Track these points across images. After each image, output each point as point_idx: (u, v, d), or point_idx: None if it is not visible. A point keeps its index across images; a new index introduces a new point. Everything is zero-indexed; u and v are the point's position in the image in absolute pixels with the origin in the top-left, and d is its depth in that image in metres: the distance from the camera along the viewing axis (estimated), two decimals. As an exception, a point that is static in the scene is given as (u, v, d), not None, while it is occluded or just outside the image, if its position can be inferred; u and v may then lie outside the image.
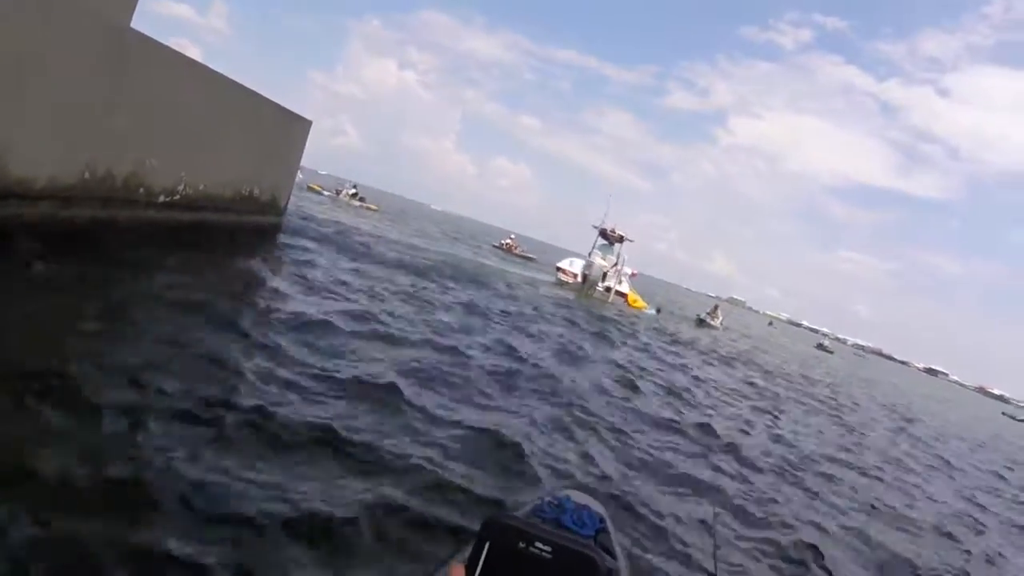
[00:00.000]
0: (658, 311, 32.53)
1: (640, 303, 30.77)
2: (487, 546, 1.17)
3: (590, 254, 31.74)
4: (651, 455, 6.71)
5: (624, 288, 30.42)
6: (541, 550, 1.15)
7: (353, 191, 40.90)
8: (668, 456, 6.93)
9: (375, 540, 3.48)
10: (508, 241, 41.88)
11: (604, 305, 26.67)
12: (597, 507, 3.30)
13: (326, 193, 38.70)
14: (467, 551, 1.24)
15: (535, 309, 16.39)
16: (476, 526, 1.34)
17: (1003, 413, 71.77)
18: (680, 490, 5.99)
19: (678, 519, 5.18)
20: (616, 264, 30.83)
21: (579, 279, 30.14)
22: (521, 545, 1.16)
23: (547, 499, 3.15)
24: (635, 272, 31.95)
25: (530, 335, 12.03)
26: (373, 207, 40.44)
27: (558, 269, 31.09)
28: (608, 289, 29.70)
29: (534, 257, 41.10)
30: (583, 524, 2.91)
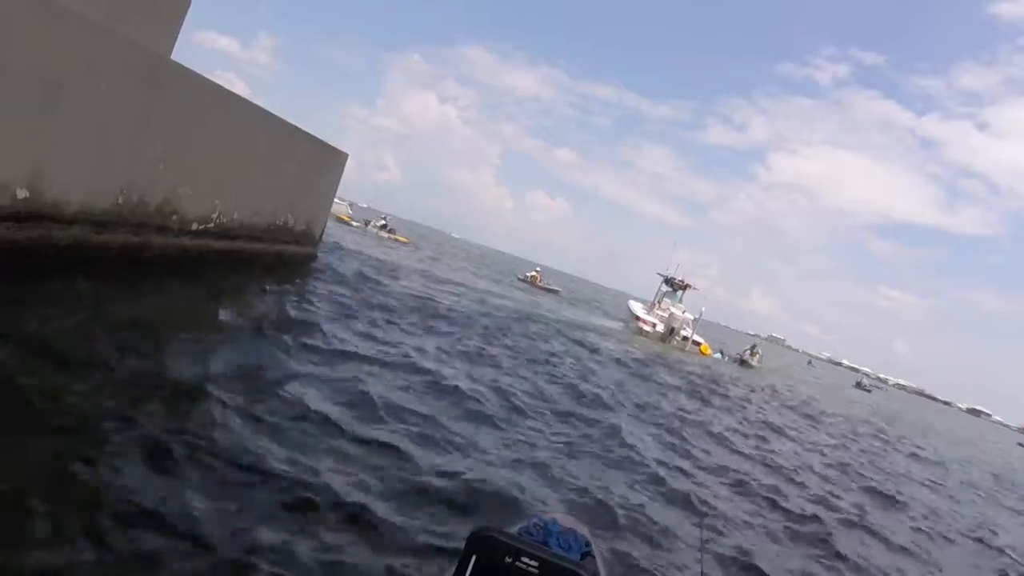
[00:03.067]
0: (722, 353, 33.51)
1: (708, 350, 31.85)
2: (473, 559, 1.18)
3: (659, 301, 33.52)
4: None
5: (698, 337, 31.56)
6: (528, 565, 1.16)
7: (382, 223, 40.85)
8: None
9: None
10: (533, 273, 41.35)
11: (686, 355, 27.56)
12: (583, 531, 3.25)
13: (355, 224, 38.80)
14: (453, 564, 1.24)
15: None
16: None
17: (1019, 444, 71.19)
18: None
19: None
20: (686, 312, 32.24)
21: (657, 328, 30.82)
22: (508, 559, 1.17)
23: (534, 521, 3.13)
24: (698, 317, 33.02)
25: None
26: (402, 239, 40.12)
27: (636, 318, 31.88)
28: (685, 339, 30.75)
29: (559, 289, 40.84)
30: (569, 547, 2.94)
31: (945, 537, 8.79)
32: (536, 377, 10.33)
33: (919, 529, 8.66)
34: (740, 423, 12.90)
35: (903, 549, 7.34)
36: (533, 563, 1.16)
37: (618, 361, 16.60)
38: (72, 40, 6.30)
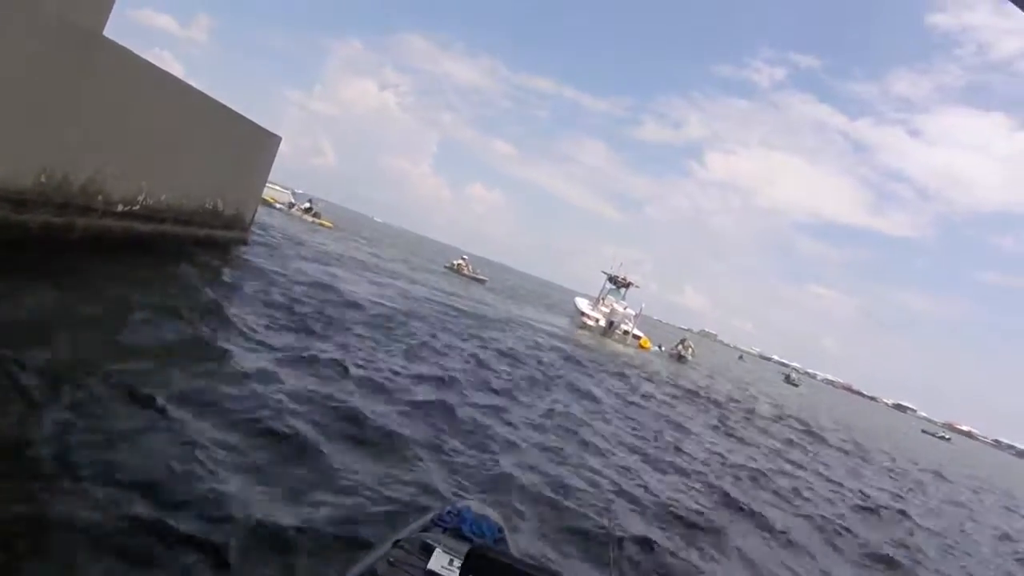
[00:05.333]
0: (660, 348, 36.17)
1: (648, 344, 34.01)
2: None
3: (603, 299, 36.09)
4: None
5: (639, 332, 33.83)
6: None
7: (307, 206, 40.38)
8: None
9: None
10: (459, 262, 41.65)
11: (625, 347, 30.07)
12: (495, 518, 3.38)
13: (278, 206, 37.77)
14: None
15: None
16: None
17: (923, 431, 79.88)
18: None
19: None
20: (627, 308, 34.86)
21: (600, 323, 33.18)
22: None
23: (447, 509, 3.20)
24: (638, 313, 35.52)
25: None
26: (327, 223, 39.52)
27: (581, 314, 34.25)
28: (626, 333, 33.02)
29: (485, 278, 41.23)
30: (482, 534, 2.96)
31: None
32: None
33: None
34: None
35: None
36: None
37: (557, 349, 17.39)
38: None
